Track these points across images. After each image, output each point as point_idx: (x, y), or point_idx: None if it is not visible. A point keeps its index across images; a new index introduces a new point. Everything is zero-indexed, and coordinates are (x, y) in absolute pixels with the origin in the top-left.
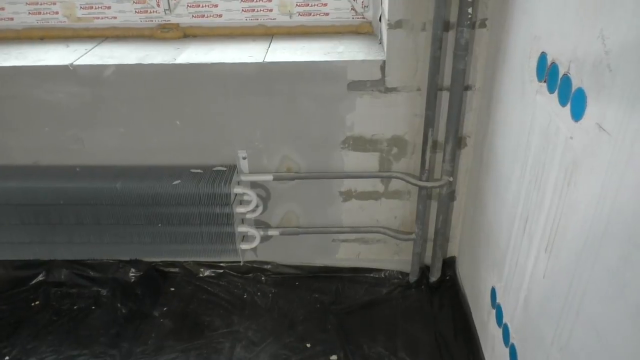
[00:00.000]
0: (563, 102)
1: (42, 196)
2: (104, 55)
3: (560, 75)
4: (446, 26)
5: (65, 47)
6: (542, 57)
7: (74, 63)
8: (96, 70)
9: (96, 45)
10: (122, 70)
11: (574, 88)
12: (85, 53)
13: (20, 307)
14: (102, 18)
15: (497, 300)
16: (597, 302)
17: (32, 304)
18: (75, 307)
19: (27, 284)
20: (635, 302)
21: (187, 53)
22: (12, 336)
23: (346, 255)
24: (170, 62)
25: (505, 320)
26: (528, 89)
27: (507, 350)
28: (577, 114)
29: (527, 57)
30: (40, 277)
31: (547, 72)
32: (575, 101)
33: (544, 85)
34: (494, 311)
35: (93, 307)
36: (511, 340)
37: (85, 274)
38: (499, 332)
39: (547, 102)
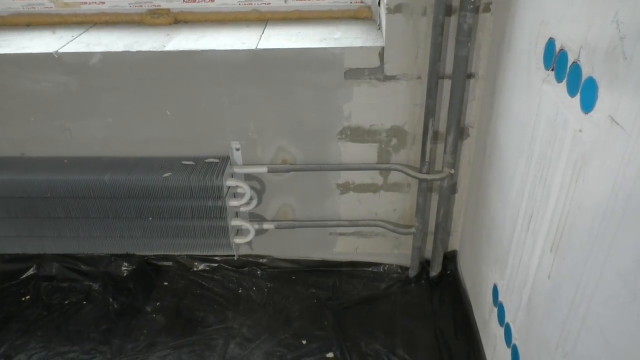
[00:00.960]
0: (572, 92)
1: (29, 189)
2: (90, 43)
3: (570, 63)
4: (448, 10)
5: (52, 34)
6: (550, 43)
7: (59, 51)
8: (82, 58)
9: (83, 32)
10: (109, 57)
11: (584, 77)
12: (72, 40)
13: (10, 302)
14: (89, 3)
15: (499, 299)
16: (607, 308)
17: (22, 299)
18: (66, 302)
19: (18, 278)
20: None
21: (178, 40)
22: (1, 332)
23: (344, 249)
24: (159, 50)
25: (507, 319)
26: (534, 77)
27: (509, 352)
28: (588, 105)
29: (533, 44)
30: (31, 271)
31: (555, 59)
32: (585, 91)
33: (552, 73)
34: (495, 309)
35: (84, 302)
36: (513, 341)
37: (77, 267)
38: (500, 331)
39: (554, 91)
